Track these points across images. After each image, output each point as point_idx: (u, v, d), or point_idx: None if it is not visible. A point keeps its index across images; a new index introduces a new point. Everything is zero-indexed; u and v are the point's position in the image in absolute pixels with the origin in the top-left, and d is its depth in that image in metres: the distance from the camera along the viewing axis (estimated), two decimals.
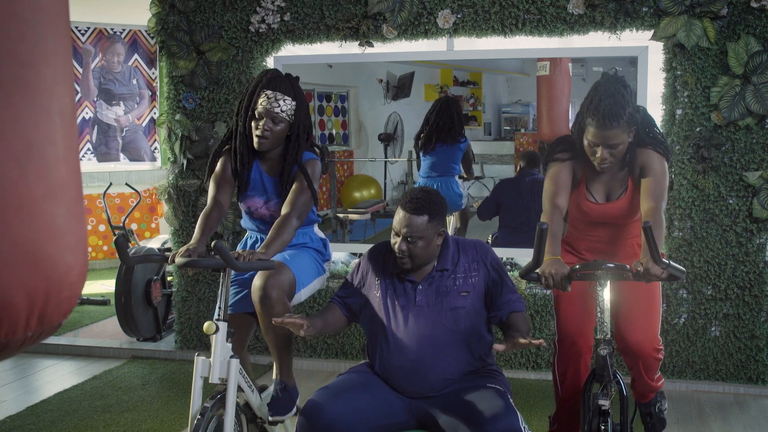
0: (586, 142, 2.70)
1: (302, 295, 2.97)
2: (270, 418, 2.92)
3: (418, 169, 4.87)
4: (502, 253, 5.03)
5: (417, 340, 2.55)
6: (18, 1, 0.85)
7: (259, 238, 3.14)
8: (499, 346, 2.36)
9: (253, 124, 2.94)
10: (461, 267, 2.63)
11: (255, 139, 2.94)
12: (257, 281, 2.80)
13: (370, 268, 2.73)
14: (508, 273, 4.42)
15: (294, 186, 2.93)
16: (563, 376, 3.01)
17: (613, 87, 2.65)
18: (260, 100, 2.91)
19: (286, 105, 2.91)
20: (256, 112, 2.92)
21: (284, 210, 2.86)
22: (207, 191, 4.64)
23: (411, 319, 2.58)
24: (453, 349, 2.55)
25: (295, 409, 2.99)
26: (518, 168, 4.78)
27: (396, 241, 2.56)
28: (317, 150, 3.11)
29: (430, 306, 2.57)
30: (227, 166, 3.03)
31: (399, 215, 2.56)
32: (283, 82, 2.93)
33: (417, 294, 2.59)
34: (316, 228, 3.20)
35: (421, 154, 4.79)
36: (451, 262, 2.63)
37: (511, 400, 2.47)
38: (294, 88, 2.96)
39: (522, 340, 2.33)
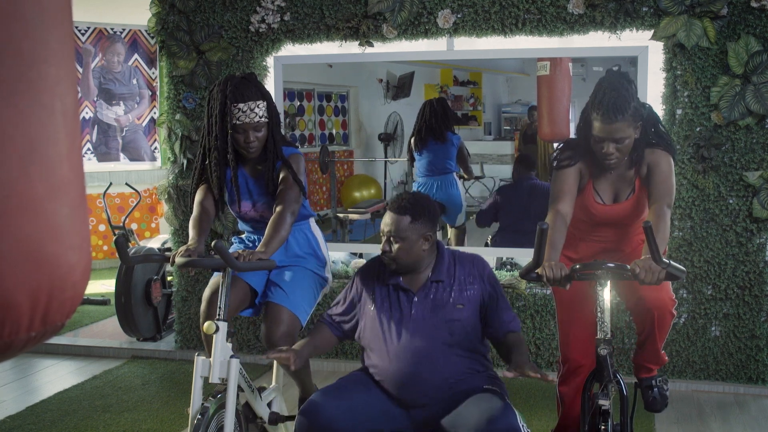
0: (592, 138, 2.68)
1: (306, 319, 3.04)
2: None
3: (411, 166, 4.88)
4: (501, 253, 5.03)
5: (412, 352, 2.54)
6: (21, 1, 0.85)
7: (255, 237, 3.15)
8: (508, 374, 2.35)
9: (236, 137, 2.90)
10: (457, 279, 2.63)
11: (244, 151, 2.94)
12: (267, 336, 2.92)
13: (364, 285, 2.74)
14: (508, 273, 4.45)
15: (281, 183, 2.93)
16: (565, 396, 3.02)
17: (617, 81, 2.64)
18: (235, 114, 2.86)
19: (260, 110, 2.89)
20: (236, 127, 2.88)
21: (277, 207, 2.87)
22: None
23: (406, 331, 2.57)
24: (449, 361, 2.55)
25: None
26: (515, 172, 4.78)
27: (385, 242, 2.60)
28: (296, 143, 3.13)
29: (425, 319, 2.58)
30: (209, 189, 3.03)
31: (384, 216, 2.62)
32: (247, 87, 2.88)
33: (413, 306, 2.60)
34: (312, 224, 3.19)
35: (416, 154, 4.80)
36: (447, 274, 2.63)
37: (508, 401, 2.48)
38: (259, 89, 2.92)
39: (532, 374, 2.31)
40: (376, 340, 2.62)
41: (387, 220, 2.59)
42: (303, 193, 2.95)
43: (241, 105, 2.86)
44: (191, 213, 3.04)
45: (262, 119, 2.89)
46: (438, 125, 4.71)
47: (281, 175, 2.94)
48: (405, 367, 2.53)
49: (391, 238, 2.57)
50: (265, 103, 2.91)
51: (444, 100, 4.73)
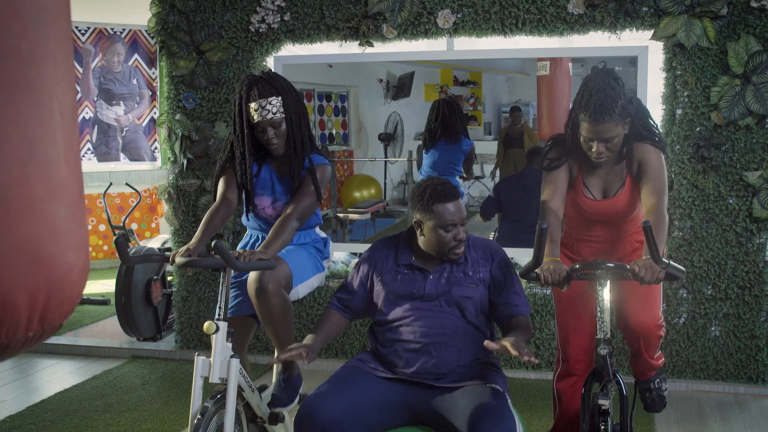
0: (581, 138, 2.69)
1: (300, 291, 2.98)
2: (273, 410, 2.93)
3: (419, 167, 4.87)
4: None
5: (425, 328, 2.56)
6: (20, 1, 0.85)
7: (260, 237, 3.14)
8: (491, 344, 2.32)
9: (258, 135, 2.94)
10: (471, 260, 2.66)
11: (269, 147, 2.96)
12: (252, 275, 2.79)
13: (374, 265, 2.73)
14: None
15: (300, 188, 2.93)
16: (563, 393, 3.01)
17: (603, 81, 2.63)
18: (252, 114, 2.90)
19: (275, 106, 2.89)
20: (255, 126, 2.92)
21: (287, 210, 2.87)
22: (207, 191, 4.64)
23: (420, 306, 2.59)
24: (459, 338, 2.56)
25: (298, 398, 2.98)
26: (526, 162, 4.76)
27: (456, 232, 2.58)
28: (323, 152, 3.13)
29: (439, 295, 2.60)
30: (233, 177, 3.03)
31: (447, 207, 2.57)
32: (260, 84, 2.90)
33: (427, 284, 2.61)
34: (317, 229, 3.21)
35: (424, 152, 4.80)
36: (462, 255, 2.65)
37: (509, 401, 2.46)
38: (272, 84, 2.92)
39: (512, 350, 2.26)
40: (389, 316, 2.63)
41: (452, 210, 2.57)
42: (319, 201, 2.96)
43: (253, 104, 2.88)
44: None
45: (277, 115, 2.90)
46: (453, 124, 4.70)
47: (303, 182, 2.95)
48: (417, 341, 2.55)
49: (464, 221, 2.60)
50: (279, 98, 2.90)
51: (456, 102, 4.73)
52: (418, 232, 2.64)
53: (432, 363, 2.54)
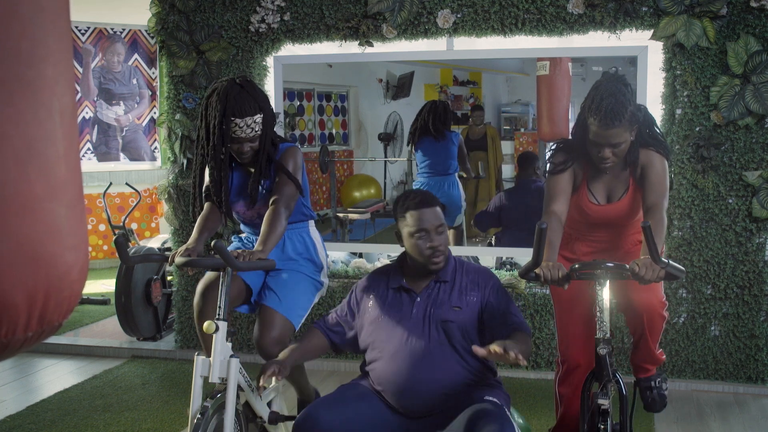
0: (588, 142, 2.70)
1: (299, 323, 3.06)
2: (273, 410, 2.97)
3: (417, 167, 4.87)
4: (502, 252, 5.03)
5: (411, 354, 2.52)
6: (19, 1, 0.85)
7: (254, 239, 3.15)
8: (478, 350, 2.28)
9: (231, 146, 2.91)
10: (458, 283, 2.62)
11: (240, 158, 2.95)
12: (258, 340, 2.95)
13: (365, 294, 2.72)
14: (508, 273, 4.44)
15: (277, 181, 2.94)
16: (564, 396, 3.01)
17: (614, 86, 2.64)
18: (233, 129, 2.85)
19: (258, 124, 2.88)
20: (232, 139, 2.88)
21: (271, 204, 2.88)
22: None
23: (405, 331, 2.55)
24: (446, 362, 2.51)
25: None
26: (516, 173, 4.75)
27: (428, 240, 2.54)
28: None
29: (424, 318, 2.56)
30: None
31: (418, 214, 2.54)
32: (245, 101, 2.86)
33: (414, 306, 2.58)
34: (311, 227, 3.19)
35: (416, 153, 4.80)
36: (451, 276, 2.63)
37: (507, 413, 2.40)
38: (257, 100, 2.89)
39: (498, 349, 2.20)
40: (376, 341, 2.60)
41: (428, 217, 2.53)
42: (299, 188, 2.94)
43: (237, 120, 2.84)
44: (191, 212, 3.06)
45: (258, 132, 2.90)
46: (435, 124, 4.69)
47: (276, 176, 2.96)
48: (403, 369, 2.50)
49: (439, 229, 2.55)
50: (261, 115, 2.89)
51: (446, 103, 4.73)
52: (400, 244, 2.64)
53: (424, 398, 2.49)
